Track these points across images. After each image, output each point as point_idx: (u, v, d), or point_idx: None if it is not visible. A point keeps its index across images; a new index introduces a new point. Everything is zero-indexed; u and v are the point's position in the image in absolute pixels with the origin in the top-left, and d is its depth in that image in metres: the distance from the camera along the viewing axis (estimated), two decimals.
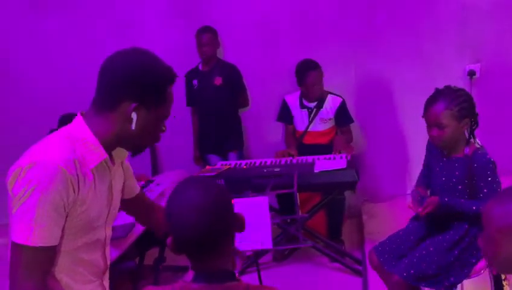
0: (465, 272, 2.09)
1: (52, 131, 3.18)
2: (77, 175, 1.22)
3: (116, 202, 1.41)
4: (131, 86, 1.24)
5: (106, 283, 1.43)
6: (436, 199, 2.07)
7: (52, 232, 1.20)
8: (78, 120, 1.29)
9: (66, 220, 1.23)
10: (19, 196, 1.18)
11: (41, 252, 1.19)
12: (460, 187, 2.09)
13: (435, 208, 2.06)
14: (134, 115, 1.25)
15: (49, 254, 1.22)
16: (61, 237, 1.24)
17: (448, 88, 2.10)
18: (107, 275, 1.43)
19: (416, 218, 2.30)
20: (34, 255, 1.19)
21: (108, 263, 1.43)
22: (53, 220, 1.19)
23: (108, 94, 1.26)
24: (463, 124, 2.06)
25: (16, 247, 1.19)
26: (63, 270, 1.28)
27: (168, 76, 1.29)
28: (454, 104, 2.03)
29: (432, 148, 2.24)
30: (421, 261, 2.08)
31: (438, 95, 2.08)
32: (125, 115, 1.25)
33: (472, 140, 2.10)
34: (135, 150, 1.34)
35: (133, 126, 1.26)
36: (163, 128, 1.33)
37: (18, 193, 1.19)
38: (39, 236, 1.18)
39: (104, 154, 1.28)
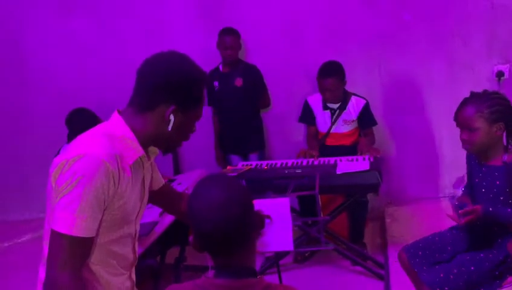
0: (497, 283, 2.00)
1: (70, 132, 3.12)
2: (118, 170, 1.27)
3: (147, 197, 1.47)
4: (171, 90, 1.30)
5: (133, 276, 1.49)
6: (480, 207, 1.95)
7: (92, 224, 1.25)
8: (116, 118, 1.34)
9: (103, 214, 1.28)
10: (63, 187, 1.23)
11: (80, 243, 1.24)
12: (502, 198, 2.00)
13: (478, 217, 1.95)
14: (172, 117, 1.30)
15: (87, 245, 1.27)
16: (98, 230, 1.28)
17: (484, 91, 2.04)
18: (134, 268, 1.49)
19: (457, 227, 2.18)
20: (74, 245, 1.23)
21: (137, 256, 1.48)
22: (94, 212, 1.24)
23: (148, 96, 1.31)
24: (496, 129, 1.97)
25: (57, 236, 1.23)
26: (96, 262, 1.33)
27: (204, 79, 1.37)
28: (486, 107, 1.96)
29: (471, 159, 2.15)
30: (459, 278, 1.97)
31: (471, 97, 2.02)
32: (163, 116, 1.31)
33: (511, 146, 2.02)
34: (168, 149, 1.41)
35: (170, 127, 1.32)
36: (194, 128, 1.40)
37: (62, 184, 1.23)
38: (81, 227, 1.23)
39: (141, 151, 1.33)
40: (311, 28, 3.66)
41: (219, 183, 1.17)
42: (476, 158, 2.11)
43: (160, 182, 1.58)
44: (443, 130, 3.55)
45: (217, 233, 1.12)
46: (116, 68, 3.78)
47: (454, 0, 3.51)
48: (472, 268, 1.99)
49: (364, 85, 3.52)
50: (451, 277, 1.98)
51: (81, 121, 3.02)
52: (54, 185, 1.26)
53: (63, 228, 1.22)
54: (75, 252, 1.24)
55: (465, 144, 2.03)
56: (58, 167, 1.25)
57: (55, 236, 1.23)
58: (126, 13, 3.82)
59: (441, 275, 2.01)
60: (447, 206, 2.13)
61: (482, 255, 2.02)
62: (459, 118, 2.02)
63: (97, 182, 1.22)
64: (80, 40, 3.88)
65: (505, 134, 2.04)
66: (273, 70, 3.67)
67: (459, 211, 1.98)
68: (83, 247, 1.25)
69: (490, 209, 1.96)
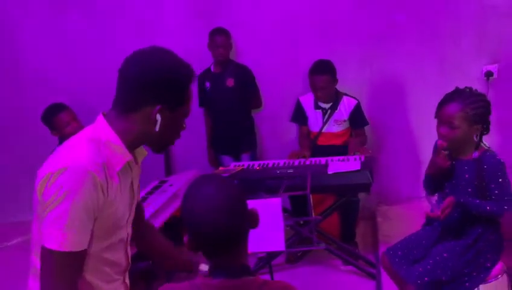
0: (481, 277, 2.05)
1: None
2: (106, 179, 1.22)
3: (136, 200, 1.42)
4: (155, 89, 1.23)
5: (127, 281, 1.46)
6: (452, 199, 2.03)
7: (83, 237, 1.21)
8: (101, 121, 1.28)
9: (94, 224, 1.23)
10: (49, 201, 1.18)
11: (73, 257, 1.20)
12: (470, 190, 2.06)
13: (453, 208, 2.02)
14: (158, 117, 1.24)
15: (80, 259, 1.23)
16: (89, 240, 1.24)
17: (469, 89, 2.06)
18: (127, 273, 1.46)
19: (428, 223, 2.26)
20: (67, 260, 1.19)
21: (130, 261, 1.45)
22: (84, 225, 1.20)
23: (131, 96, 1.25)
24: (474, 129, 2.03)
25: (48, 253, 1.19)
26: (89, 271, 1.29)
27: (189, 75, 1.28)
28: (471, 108, 2.00)
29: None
30: (436, 267, 2.04)
31: (456, 94, 2.05)
32: (149, 116, 1.24)
33: (481, 143, 2.07)
34: (159, 149, 1.34)
35: (157, 128, 1.25)
36: (184, 126, 1.33)
37: (49, 199, 1.18)
38: (71, 241, 1.19)
39: (128, 156, 1.28)
40: (303, 28, 3.67)
41: (214, 183, 1.15)
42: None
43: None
44: (433, 129, 3.56)
45: (214, 234, 1.11)
46: (110, 68, 3.74)
47: (444, 1, 3.53)
48: (445, 255, 2.06)
49: (355, 84, 3.53)
50: (429, 267, 2.05)
51: (48, 111, 3.15)
52: (40, 199, 1.21)
53: (53, 244, 1.18)
54: (69, 268, 1.20)
55: (443, 138, 2.07)
56: (43, 180, 1.20)
57: (46, 253, 1.19)
58: (120, 12, 3.80)
59: (420, 269, 2.07)
60: (426, 206, 2.20)
61: (453, 242, 2.10)
62: (442, 113, 2.05)
63: (85, 194, 1.17)
64: (73, 40, 3.85)
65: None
66: (265, 71, 3.67)
67: (438, 213, 2.04)
68: (76, 261, 1.22)
69: (461, 200, 2.03)
